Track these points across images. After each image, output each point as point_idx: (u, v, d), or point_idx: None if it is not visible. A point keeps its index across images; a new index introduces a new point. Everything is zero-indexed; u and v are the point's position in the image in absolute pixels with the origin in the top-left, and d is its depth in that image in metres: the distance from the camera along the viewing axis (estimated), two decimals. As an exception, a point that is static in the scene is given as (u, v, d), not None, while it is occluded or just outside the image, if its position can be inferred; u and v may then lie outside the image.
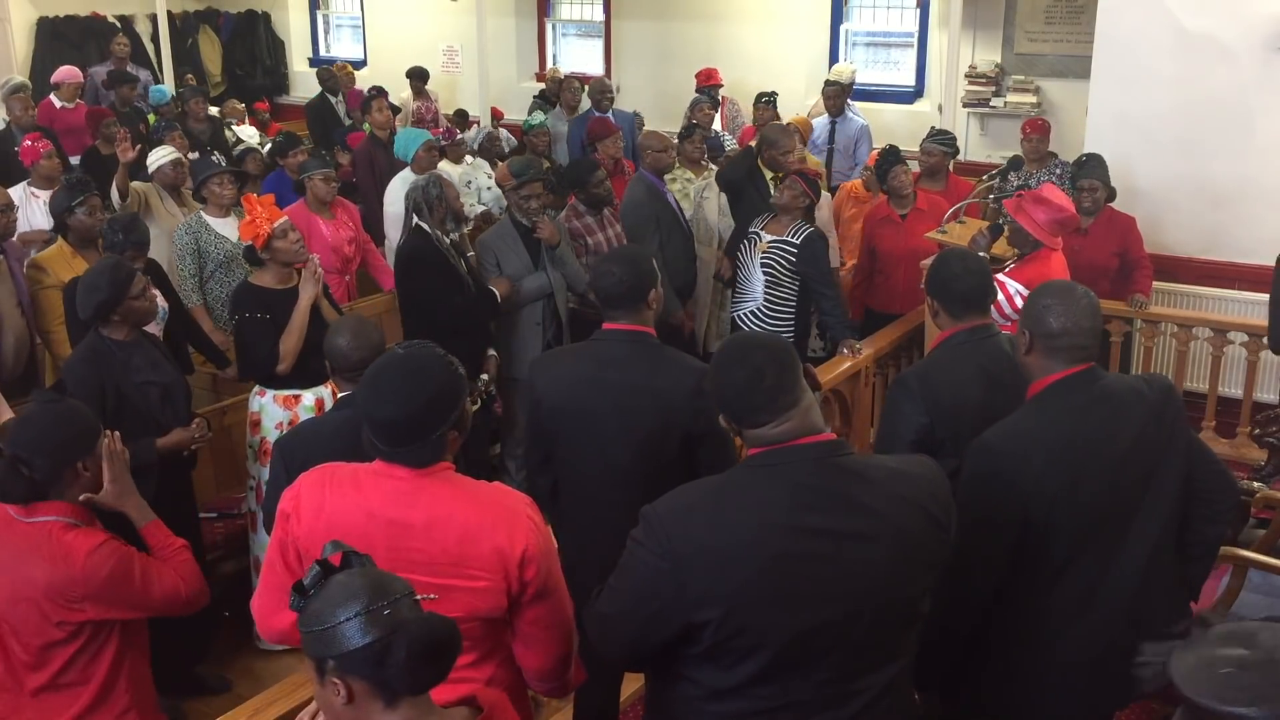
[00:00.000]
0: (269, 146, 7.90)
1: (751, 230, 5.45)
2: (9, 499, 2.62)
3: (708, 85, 8.52)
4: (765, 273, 5.30)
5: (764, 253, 5.30)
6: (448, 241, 4.93)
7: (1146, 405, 2.59)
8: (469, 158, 7.82)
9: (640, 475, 2.93)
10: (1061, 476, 2.48)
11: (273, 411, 4.33)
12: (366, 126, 8.07)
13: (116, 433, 2.81)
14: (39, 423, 2.67)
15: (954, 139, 6.54)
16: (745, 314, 5.42)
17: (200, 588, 2.82)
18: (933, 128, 6.64)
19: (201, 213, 5.54)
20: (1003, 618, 2.55)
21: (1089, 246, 5.64)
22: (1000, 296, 4.22)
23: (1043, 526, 2.48)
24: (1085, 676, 2.58)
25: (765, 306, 5.33)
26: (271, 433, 4.32)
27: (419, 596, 1.79)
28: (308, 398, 4.35)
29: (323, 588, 1.77)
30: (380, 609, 1.71)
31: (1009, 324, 4.25)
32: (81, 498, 2.69)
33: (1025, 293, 4.40)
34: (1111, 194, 5.69)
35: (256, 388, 4.40)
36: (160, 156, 6.06)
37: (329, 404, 4.32)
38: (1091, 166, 5.65)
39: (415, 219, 4.92)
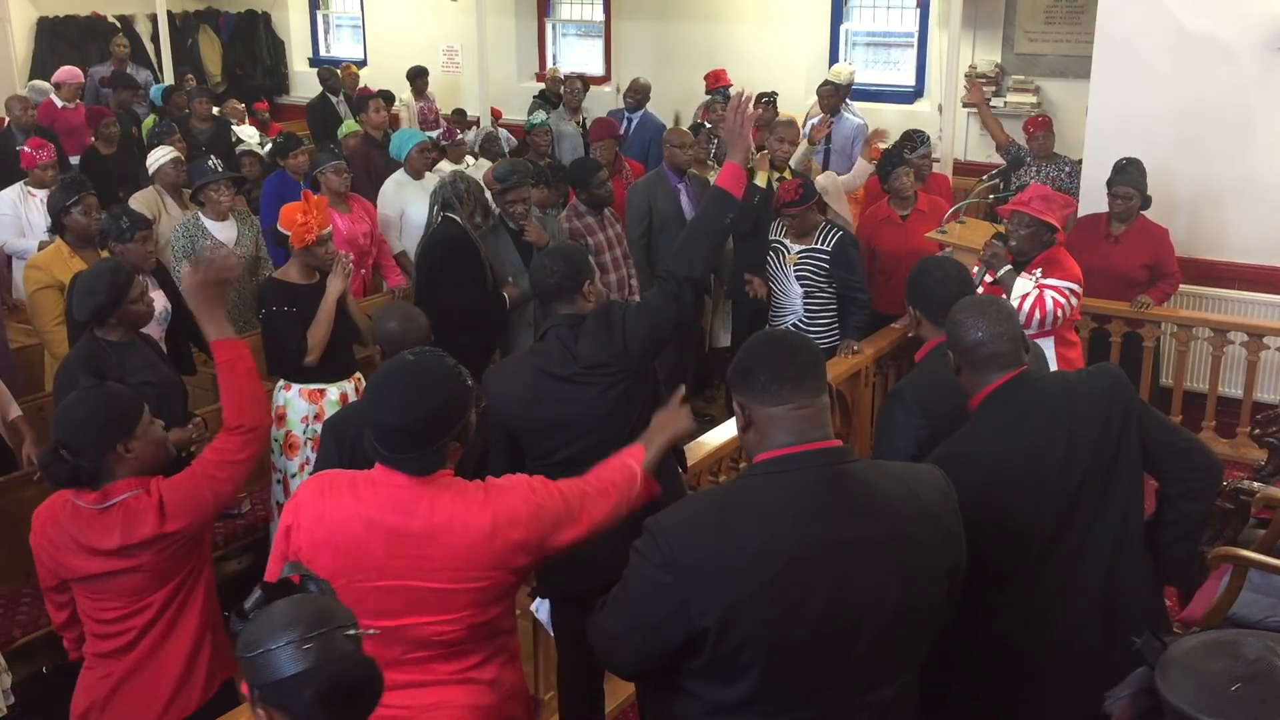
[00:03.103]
0: (269, 147, 7.90)
1: (775, 240, 5.37)
2: (56, 484, 2.65)
3: (718, 88, 8.50)
4: (802, 284, 5.25)
5: (796, 264, 5.24)
6: (477, 235, 5.05)
7: (1089, 400, 2.57)
8: (469, 158, 7.82)
9: (617, 440, 2.96)
10: (1003, 490, 2.48)
11: (298, 405, 4.40)
12: (349, 126, 8.03)
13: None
14: (78, 410, 2.67)
15: (926, 136, 6.53)
16: (787, 328, 5.30)
17: (260, 414, 2.86)
18: (910, 131, 6.52)
19: (199, 214, 5.51)
20: (988, 623, 2.54)
21: (1118, 254, 5.64)
22: (1054, 299, 4.21)
23: (1002, 538, 2.47)
24: (1066, 677, 2.57)
25: (806, 318, 5.27)
26: (297, 426, 4.39)
27: (361, 631, 1.71)
28: (332, 392, 4.41)
29: (264, 611, 1.70)
30: (309, 641, 1.62)
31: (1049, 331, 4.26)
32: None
33: (1078, 289, 4.40)
34: (1147, 202, 5.64)
35: (281, 382, 4.45)
36: (159, 157, 6.04)
37: (353, 398, 4.39)
38: (1130, 173, 5.59)
39: (445, 213, 5.03)
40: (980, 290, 4.50)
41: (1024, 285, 4.39)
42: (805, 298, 5.27)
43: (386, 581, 2.19)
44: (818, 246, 5.21)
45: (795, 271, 5.25)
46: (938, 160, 6.82)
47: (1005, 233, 4.73)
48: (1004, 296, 4.27)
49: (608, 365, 3.04)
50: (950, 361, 2.67)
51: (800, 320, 5.29)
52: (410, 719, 2.26)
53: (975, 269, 4.51)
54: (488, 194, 5.46)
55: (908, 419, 2.91)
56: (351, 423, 3.19)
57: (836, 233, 5.24)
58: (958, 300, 2.87)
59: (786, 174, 6.21)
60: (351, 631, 1.69)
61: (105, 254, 4.62)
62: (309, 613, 1.68)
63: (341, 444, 3.13)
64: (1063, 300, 4.27)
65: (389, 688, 2.23)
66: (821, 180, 6.70)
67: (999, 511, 2.47)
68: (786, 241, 5.31)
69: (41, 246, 5.79)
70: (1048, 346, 4.25)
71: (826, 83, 8.12)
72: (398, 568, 2.18)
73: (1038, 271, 4.46)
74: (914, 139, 6.41)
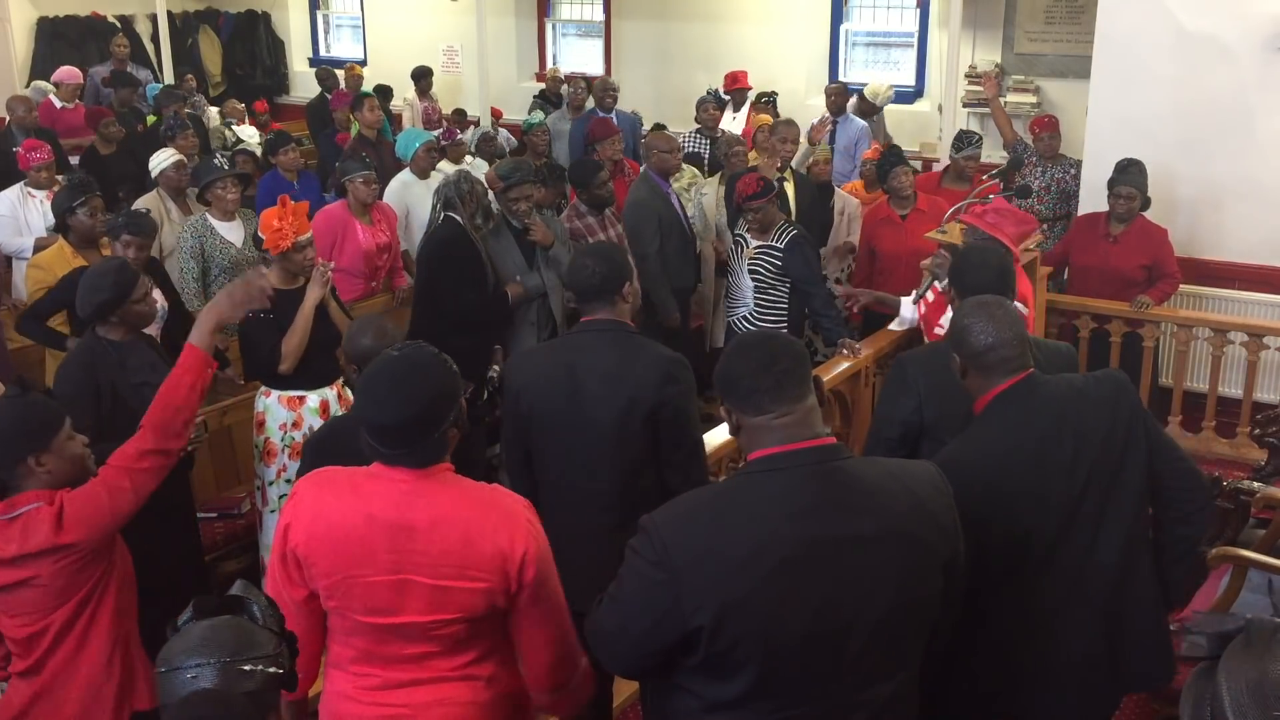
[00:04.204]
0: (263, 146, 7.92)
1: (738, 233, 5.47)
2: None
3: (733, 90, 8.47)
4: (753, 278, 5.30)
5: (750, 258, 5.30)
6: (478, 235, 5.03)
7: (1096, 404, 2.57)
8: (468, 157, 7.83)
9: (610, 467, 2.98)
10: (1008, 492, 2.48)
11: (277, 412, 4.32)
12: (355, 127, 8.05)
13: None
14: None
15: (978, 137, 6.63)
16: (738, 319, 5.41)
17: (172, 436, 2.82)
18: (961, 132, 6.67)
19: (207, 215, 5.48)
20: (990, 625, 2.54)
21: (1117, 255, 5.64)
22: None
23: (1006, 540, 2.47)
24: (1069, 680, 2.57)
25: (756, 311, 5.34)
26: (275, 433, 4.32)
27: (270, 670, 1.68)
28: (312, 399, 4.33)
29: (185, 629, 1.69)
30: (196, 669, 1.61)
31: None
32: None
33: (1023, 309, 4.31)
34: (1146, 203, 5.65)
35: (262, 388, 4.39)
36: (162, 160, 6.01)
37: (334, 406, 4.33)
38: (1132, 174, 5.61)
39: (446, 212, 5.01)
40: (927, 299, 4.54)
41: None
42: (755, 292, 5.31)
43: (386, 577, 2.19)
44: (772, 244, 5.25)
45: (749, 265, 5.31)
46: (937, 160, 6.85)
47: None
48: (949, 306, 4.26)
49: (624, 381, 3.02)
50: (956, 364, 2.66)
51: (750, 313, 5.36)
52: (411, 717, 2.26)
53: (923, 278, 4.59)
54: (490, 195, 5.45)
55: (901, 389, 2.98)
56: (332, 441, 3.07)
57: (791, 231, 5.26)
58: (987, 287, 2.89)
59: (788, 174, 6.21)
60: (247, 667, 1.66)
61: (108, 253, 4.62)
62: (217, 640, 1.67)
63: (322, 464, 3.04)
64: None
65: (388, 686, 2.25)
66: (846, 197, 6.68)
67: (1004, 513, 2.47)
68: (747, 236, 5.37)
69: (38, 245, 5.81)
70: None
71: (837, 83, 8.14)
72: (398, 563, 2.18)
73: None
74: (964, 138, 6.48)
